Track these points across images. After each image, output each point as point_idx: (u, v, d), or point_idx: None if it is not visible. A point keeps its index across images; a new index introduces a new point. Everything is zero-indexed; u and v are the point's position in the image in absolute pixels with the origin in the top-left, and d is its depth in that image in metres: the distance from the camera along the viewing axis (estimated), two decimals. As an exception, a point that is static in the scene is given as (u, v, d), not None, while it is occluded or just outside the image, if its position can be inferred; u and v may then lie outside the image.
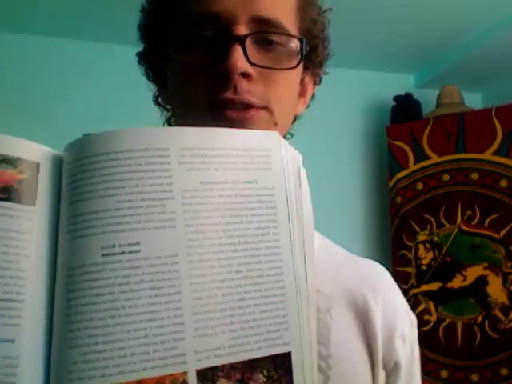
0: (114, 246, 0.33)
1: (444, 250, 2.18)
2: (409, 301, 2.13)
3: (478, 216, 2.12)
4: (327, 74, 0.63)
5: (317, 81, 0.62)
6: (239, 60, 0.48)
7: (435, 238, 2.20)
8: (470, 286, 2.10)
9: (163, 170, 0.35)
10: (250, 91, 0.49)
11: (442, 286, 2.15)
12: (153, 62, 0.59)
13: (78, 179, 0.35)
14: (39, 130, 2.18)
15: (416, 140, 2.29)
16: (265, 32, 0.51)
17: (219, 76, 0.49)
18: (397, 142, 2.33)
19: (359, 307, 0.58)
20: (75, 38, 2.25)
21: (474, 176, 2.15)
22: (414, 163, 2.29)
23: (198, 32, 0.51)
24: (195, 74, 0.50)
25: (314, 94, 0.63)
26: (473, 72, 2.46)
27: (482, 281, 2.08)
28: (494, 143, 2.11)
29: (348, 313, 0.58)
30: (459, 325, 2.10)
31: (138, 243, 0.34)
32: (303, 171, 0.41)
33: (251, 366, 0.35)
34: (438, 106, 2.39)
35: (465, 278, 2.12)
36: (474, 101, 2.58)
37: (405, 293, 2.12)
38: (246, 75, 0.49)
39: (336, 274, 0.60)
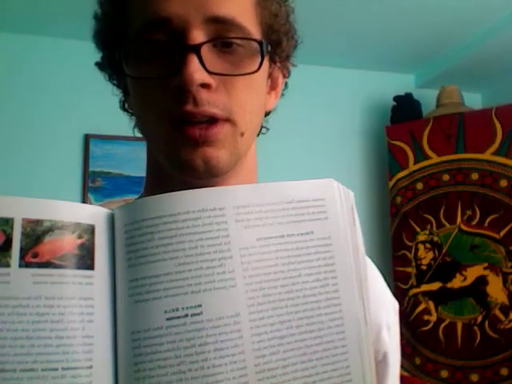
0: (177, 309, 0.34)
1: (444, 250, 2.18)
2: (409, 301, 2.13)
3: (477, 216, 2.12)
4: (296, 66, 0.59)
5: (286, 74, 0.58)
6: (196, 71, 0.45)
7: (435, 238, 2.20)
8: (470, 286, 2.10)
9: (220, 229, 0.35)
10: (210, 102, 0.47)
11: (442, 286, 2.15)
12: (114, 70, 0.56)
13: (137, 242, 0.35)
14: (38, 130, 2.18)
15: (416, 140, 2.29)
16: (222, 37, 0.48)
17: (176, 89, 0.46)
18: (397, 142, 2.33)
19: None
20: (76, 38, 2.25)
21: (474, 176, 2.15)
22: (414, 163, 2.29)
23: (151, 41, 0.47)
24: (153, 88, 0.48)
25: (286, 84, 0.60)
26: (473, 72, 2.46)
27: (482, 281, 2.08)
28: (494, 143, 2.11)
29: None
30: (459, 325, 2.10)
31: (199, 305, 0.34)
32: (355, 209, 0.41)
33: None
34: (437, 106, 2.39)
35: (465, 278, 2.12)
36: (474, 101, 2.59)
37: (405, 293, 2.11)
38: (205, 85, 0.46)
39: None
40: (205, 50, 0.46)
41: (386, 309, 0.59)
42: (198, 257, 0.35)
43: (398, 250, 2.28)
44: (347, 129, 2.55)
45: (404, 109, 2.40)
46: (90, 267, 0.35)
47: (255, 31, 0.51)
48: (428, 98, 2.47)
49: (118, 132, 2.23)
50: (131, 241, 0.35)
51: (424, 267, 2.19)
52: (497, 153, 2.11)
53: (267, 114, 0.59)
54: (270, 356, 0.35)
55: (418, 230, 2.24)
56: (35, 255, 0.34)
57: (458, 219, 2.16)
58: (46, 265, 0.34)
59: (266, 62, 0.52)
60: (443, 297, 2.14)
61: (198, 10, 0.47)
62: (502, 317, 2.03)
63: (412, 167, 2.29)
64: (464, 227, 2.15)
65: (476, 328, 2.07)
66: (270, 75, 0.56)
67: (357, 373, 0.37)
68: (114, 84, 0.58)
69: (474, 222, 2.13)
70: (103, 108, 2.27)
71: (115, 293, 0.35)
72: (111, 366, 0.34)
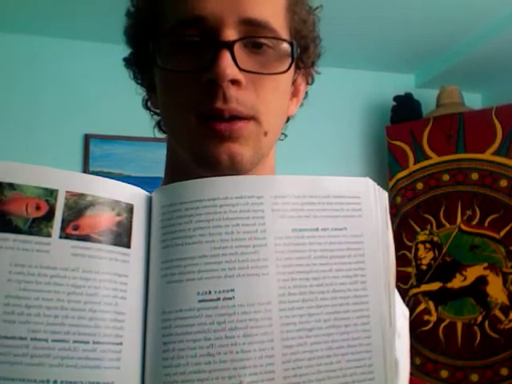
0: (209, 292, 0.34)
1: (444, 250, 2.18)
2: (409, 301, 2.13)
3: (477, 216, 2.12)
4: (319, 73, 0.61)
5: (309, 80, 0.60)
6: (228, 66, 0.46)
7: (435, 238, 2.20)
8: (470, 286, 2.10)
9: (257, 217, 0.36)
10: (238, 99, 0.48)
11: (442, 286, 2.15)
12: (140, 67, 0.57)
13: (174, 224, 0.36)
14: (38, 130, 2.18)
15: (416, 140, 2.29)
16: (254, 36, 0.49)
17: (207, 83, 0.47)
18: (397, 142, 2.33)
19: None
20: (77, 38, 2.25)
21: (474, 176, 2.15)
22: (414, 163, 2.29)
23: (185, 37, 0.49)
24: (183, 81, 0.49)
25: (306, 93, 0.62)
26: (473, 72, 2.46)
27: (482, 281, 2.08)
28: (494, 143, 2.11)
29: None
30: (459, 325, 2.10)
31: (232, 290, 0.34)
32: (388, 210, 0.41)
33: None
34: (437, 106, 2.39)
35: (465, 278, 2.12)
36: (474, 101, 2.59)
37: (405, 293, 2.11)
38: (235, 82, 0.47)
39: None
40: (237, 48, 0.48)
41: (396, 315, 0.60)
42: (233, 242, 0.35)
43: (398, 250, 2.25)
44: (347, 129, 2.55)
45: (404, 109, 2.40)
46: (127, 245, 0.35)
47: (285, 35, 0.52)
48: (428, 98, 2.47)
49: (118, 132, 2.23)
50: (168, 222, 0.36)
51: (424, 267, 2.19)
52: (497, 153, 2.11)
53: (287, 120, 0.60)
54: (297, 347, 0.35)
55: (418, 230, 2.24)
56: (76, 228, 0.34)
57: (458, 219, 2.16)
58: (85, 238, 0.34)
59: (292, 67, 0.53)
60: (443, 297, 2.14)
61: (233, 11, 0.48)
62: (502, 317, 2.03)
63: (412, 167, 2.29)
64: (464, 227, 2.15)
65: (476, 328, 2.07)
66: (294, 81, 0.57)
67: (379, 371, 0.37)
68: (138, 83, 0.59)
69: (474, 222, 2.13)
70: (103, 108, 2.28)
71: (148, 273, 0.36)
72: (140, 344, 0.34)
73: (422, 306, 2.15)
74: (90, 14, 2.06)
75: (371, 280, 0.38)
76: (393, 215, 2.32)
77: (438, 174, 2.23)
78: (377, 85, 2.57)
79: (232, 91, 0.47)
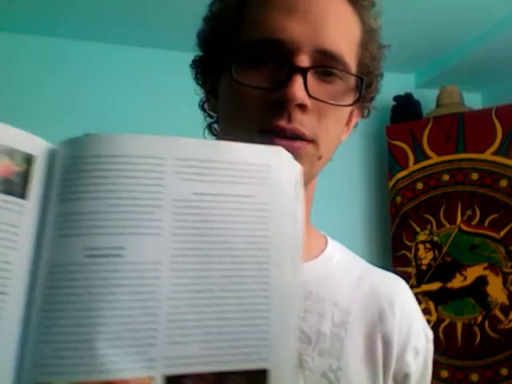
0: (98, 248, 0.34)
1: (444, 250, 2.18)
2: (409, 301, 2.13)
3: (477, 216, 2.12)
4: (375, 109, 0.63)
5: (365, 114, 0.62)
6: (298, 90, 0.48)
7: (435, 238, 2.20)
8: (470, 286, 2.10)
9: (157, 178, 0.35)
10: (302, 122, 0.50)
11: (442, 286, 2.15)
12: (206, 70, 0.59)
13: (72, 178, 0.35)
14: (38, 130, 2.18)
15: (416, 140, 2.29)
16: (327, 66, 0.51)
17: (275, 103, 0.49)
18: (397, 142, 2.33)
19: (375, 320, 0.59)
20: (77, 38, 2.25)
21: (474, 176, 2.15)
22: (414, 163, 2.29)
23: (261, 56, 0.51)
24: (252, 96, 0.50)
25: (357, 123, 0.63)
26: (473, 72, 2.46)
27: (482, 281, 2.08)
28: (494, 143, 2.11)
29: (363, 326, 0.59)
30: (459, 325, 2.10)
31: (122, 248, 0.34)
32: (301, 184, 0.41)
33: (222, 378, 0.35)
34: (437, 106, 2.39)
35: (465, 278, 2.12)
36: (474, 101, 2.58)
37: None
38: (302, 106, 0.49)
39: (354, 287, 0.61)
40: (309, 75, 0.50)
41: (416, 334, 0.61)
42: (129, 200, 0.35)
43: (398, 250, 2.28)
44: (347, 129, 2.55)
45: (404, 109, 2.40)
46: (23, 196, 0.34)
47: (353, 69, 0.54)
48: (428, 98, 2.47)
49: (118, 132, 2.23)
50: (66, 176, 0.35)
51: (424, 267, 2.19)
52: (497, 153, 2.11)
53: None
54: (184, 307, 0.35)
55: (418, 230, 2.24)
56: None
57: (458, 219, 2.16)
58: None
59: None
60: (443, 297, 2.14)
61: (311, 41, 0.50)
62: (501, 317, 2.03)
63: (412, 167, 2.29)
64: (464, 227, 2.15)
65: (476, 328, 2.07)
66: (351, 112, 0.59)
67: (277, 340, 0.37)
68: (198, 83, 0.61)
69: (474, 222, 2.12)
70: (103, 108, 2.28)
71: (45, 226, 0.35)
72: (25, 296, 0.34)
73: (421, 306, 2.15)
74: (90, 14, 2.06)
75: (275, 248, 0.38)
76: (393, 215, 2.32)
77: (437, 174, 2.23)
78: (377, 85, 2.57)
79: (297, 114, 0.49)
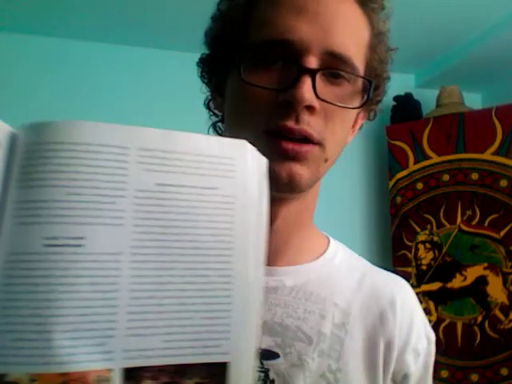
0: (57, 237, 0.33)
1: (444, 250, 2.18)
2: (409, 301, 2.13)
3: (477, 216, 2.12)
4: (382, 111, 0.63)
5: (371, 116, 0.62)
6: (307, 92, 0.48)
7: (435, 238, 2.20)
8: (470, 286, 2.10)
9: (119, 167, 0.35)
10: (310, 124, 0.50)
11: (442, 286, 2.15)
12: (214, 69, 0.59)
13: (32, 164, 0.34)
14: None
15: (416, 140, 2.29)
16: (335, 68, 0.51)
17: (283, 104, 0.49)
18: (397, 142, 2.33)
19: (375, 321, 0.59)
20: (76, 38, 2.25)
21: (474, 176, 2.15)
22: (414, 163, 2.29)
23: (270, 56, 0.50)
24: (259, 97, 0.50)
25: (362, 125, 0.63)
26: (473, 72, 2.46)
27: (482, 281, 2.08)
28: (494, 143, 2.11)
29: (363, 327, 0.59)
30: (459, 325, 2.10)
31: (82, 238, 0.33)
32: (266, 178, 0.41)
33: (182, 370, 0.34)
34: (437, 105, 2.38)
35: (465, 278, 2.12)
36: (474, 101, 2.58)
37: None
38: (310, 108, 0.49)
39: (356, 288, 0.61)
40: (318, 77, 0.49)
41: (416, 334, 0.62)
42: (90, 190, 0.34)
43: (398, 250, 2.28)
44: (347, 129, 2.55)
45: (404, 109, 2.40)
46: None
47: (362, 71, 0.53)
48: (428, 98, 2.47)
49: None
50: (27, 162, 0.34)
51: (424, 267, 2.19)
52: (497, 153, 2.10)
53: None
54: (145, 299, 0.34)
55: (418, 230, 2.24)
56: None
57: (458, 219, 2.16)
58: None
59: None
60: (443, 297, 2.14)
61: (320, 42, 0.50)
62: (501, 317, 2.03)
63: (412, 167, 2.29)
64: (464, 227, 2.15)
65: (476, 328, 2.07)
66: (357, 114, 0.59)
67: (237, 334, 0.36)
68: (204, 82, 0.60)
69: (474, 222, 2.12)
70: (103, 108, 2.28)
71: (3, 213, 0.34)
72: None
73: (421, 306, 2.14)
74: (90, 14, 2.06)
75: (238, 242, 0.37)
76: (393, 215, 2.32)
77: (437, 174, 2.23)
78: (377, 85, 2.57)
79: (305, 115, 0.49)
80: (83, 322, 0.33)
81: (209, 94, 0.61)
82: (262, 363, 0.55)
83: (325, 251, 0.63)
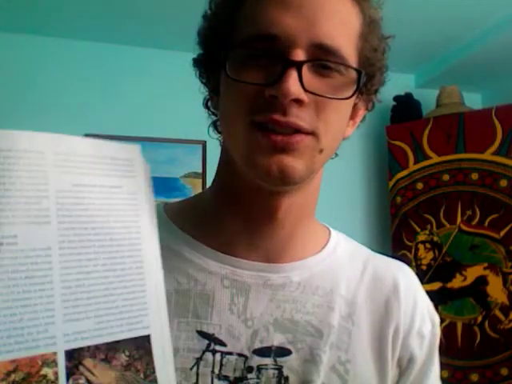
0: None
1: (444, 250, 2.18)
2: (409, 301, 2.13)
3: (477, 216, 2.12)
4: (380, 102, 0.62)
5: (369, 107, 0.61)
6: (292, 85, 0.47)
7: (435, 238, 2.20)
8: (470, 286, 2.10)
9: (40, 170, 0.39)
10: (298, 116, 0.49)
11: (442, 286, 2.15)
12: (207, 68, 0.59)
13: None
14: (38, 129, 2.19)
15: (416, 140, 2.29)
16: (322, 60, 0.50)
17: (270, 98, 0.48)
18: (397, 142, 2.33)
19: (381, 309, 0.60)
20: (77, 38, 2.25)
21: (474, 176, 2.15)
22: (414, 163, 2.29)
23: (256, 52, 0.50)
24: (247, 92, 0.50)
25: (364, 117, 0.63)
26: (473, 72, 2.46)
27: (482, 281, 2.08)
28: (494, 143, 2.11)
29: (369, 316, 0.59)
30: (459, 325, 2.10)
31: (15, 236, 0.37)
32: (150, 180, 0.47)
33: (114, 346, 0.40)
34: (437, 105, 2.39)
35: (465, 278, 2.12)
36: (474, 101, 2.59)
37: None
38: (297, 101, 0.48)
39: (359, 278, 0.61)
40: (305, 69, 0.49)
41: (420, 317, 0.62)
42: (16, 192, 0.37)
43: (398, 250, 2.28)
44: (347, 129, 2.55)
45: (404, 109, 2.40)
46: None
47: (354, 62, 0.53)
48: (428, 98, 2.47)
49: (118, 132, 2.23)
50: None
51: (424, 267, 2.20)
52: (497, 153, 2.11)
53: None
54: (75, 288, 0.39)
55: (418, 230, 2.24)
56: None
57: (458, 219, 2.16)
58: None
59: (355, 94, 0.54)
60: (443, 297, 2.14)
61: (307, 34, 0.49)
62: (501, 317, 2.03)
63: (412, 167, 2.29)
64: (464, 227, 2.15)
65: (476, 328, 2.07)
66: (355, 105, 0.58)
67: (153, 309, 0.43)
68: (202, 82, 0.61)
69: (474, 222, 2.13)
70: (104, 108, 2.28)
71: None
72: None
73: (421, 306, 2.15)
74: (90, 14, 2.06)
75: (145, 231, 0.43)
76: (393, 215, 2.32)
77: (437, 174, 2.23)
78: (377, 85, 2.57)
79: (293, 109, 0.49)
80: (26, 313, 0.36)
81: (207, 93, 0.61)
82: (275, 360, 0.55)
83: (326, 243, 0.63)
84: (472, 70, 2.43)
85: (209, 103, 0.61)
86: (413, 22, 2.10)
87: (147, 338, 0.42)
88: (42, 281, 0.37)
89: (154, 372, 0.41)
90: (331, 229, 0.67)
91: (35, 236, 0.38)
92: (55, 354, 0.37)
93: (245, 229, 0.58)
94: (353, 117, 0.59)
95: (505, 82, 2.52)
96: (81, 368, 0.38)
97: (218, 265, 0.57)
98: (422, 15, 2.05)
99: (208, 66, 0.58)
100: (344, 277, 0.61)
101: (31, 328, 0.36)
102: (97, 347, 0.39)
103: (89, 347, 0.39)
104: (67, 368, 0.37)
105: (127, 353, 0.40)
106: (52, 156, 0.39)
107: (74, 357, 0.38)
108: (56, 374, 0.37)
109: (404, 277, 0.64)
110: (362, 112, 0.61)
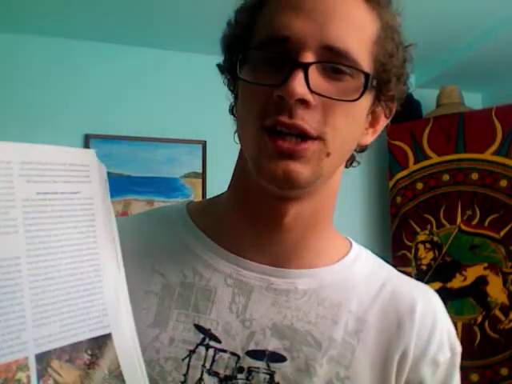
0: None
1: (444, 250, 2.18)
2: (409, 301, 2.13)
3: (477, 216, 2.12)
4: (401, 109, 0.62)
5: (388, 115, 0.61)
6: (298, 86, 0.48)
7: (435, 238, 2.20)
8: (469, 286, 2.10)
9: (6, 181, 0.40)
10: (304, 118, 0.49)
11: (442, 286, 2.15)
12: (229, 74, 0.60)
13: None
14: (38, 129, 2.19)
15: (416, 140, 2.29)
16: (331, 62, 0.51)
17: (277, 99, 0.49)
18: (397, 142, 2.33)
19: (392, 331, 0.58)
20: (78, 38, 2.25)
21: (474, 176, 2.15)
22: (414, 163, 2.29)
23: (266, 54, 0.52)
24: (257, 94, 0.51)
25: (387, 125, 0.62)
26: (473, 72, 2.46)
27: (482, 281, 2.08)
28: (494, 143, 2.11)
29: (379, 336, 0.58)
30: (459, 325, 2.10)
31: None
32: (107, 181, 0.48)
33: (77, 347, 0.42)
34: (438, 105, 2.39)
35: (465, 278, 2.12)
36: (474, 101, 2.59)
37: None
38: (303, 102, 0.49)
39: (374, 296, 0.60)
40: (313, 70, 0.50)
41: (437, 345, 0.59)
42: None
43: (397, 250, 2.28)
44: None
45: (404, 109, 2.39)
46: None
47: (367, 66, 0.53)
48: (428, 98, 2.47)
49: (118, 132, 2.23)
50: None
51: (424, 267, 2.20)
52: (497, 153, 2.11)
53: (362, 149, 0.62)
54: (42, 294, 0.41)
55: (418, 230, 2.24)
56: None
57: (458, 219, 2.16)
58: None
59: (369, 97, 0.54)
60: (443, 297, 2.13)
61: (316, 37, 0.50)
62: (501, 317, 2.03)
63: (412, 167, 2.29)
64: (464, 227, 2.15)
65: (476, 328, 2.07)
66: (373, 112, 0.58)
67: (112, 309, 0.44)
68: (229, 89, 0.61)
69: (474, 222, 2.13)
70: (103, 108, 2.28)
71: None
72: None
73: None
74: (90, 14, 2.06)
75: (100, 235, 0.45)
76: (393, 215, 2.32)
77: (438, 174, 2.23)
78: (377, 85, 2.57)
79: (299, 110, 0.49)
80: (1, 321, 0.38)
81: (233, 100, 0.62)
82: (268, 365, 0.55)
83: (344, 256, 0.62)
84: (472, 70, 2.43)
85: (234, 110, 0.62)
86: (413, 22, 2.10)
87: (109, 336, 0.44)
88: (13, 289, 0.39)
89: (118, 367, 0.43)
90: (353, 242, 0.66)
91: (4, 246, 0.39)
92: (27, 358, 0.39)
93: (253, 232, 0.58)
94: (374, 125, 0.59)
95: (505, 82, 2.52)
96: (49, 370, 0.40)
97: (225, 263, 0.58)
98: (422, 15, 2.05)
99: (230, 72, 0.59)
100: (358, 293, 0.59)
101: (6, 335, 0.38)
102: (62, 349, 0.41)
103: (55, 349, 0.40)
104: (38, 371, 0.39)
105: (89, 352, 0.42)
106: (18, 165, 0.40)
107: (43, 360, 0.40)
108: (28, 377, 0.38)
109: (424, 300, 0.62)
110: (382, 120, 0.61)
